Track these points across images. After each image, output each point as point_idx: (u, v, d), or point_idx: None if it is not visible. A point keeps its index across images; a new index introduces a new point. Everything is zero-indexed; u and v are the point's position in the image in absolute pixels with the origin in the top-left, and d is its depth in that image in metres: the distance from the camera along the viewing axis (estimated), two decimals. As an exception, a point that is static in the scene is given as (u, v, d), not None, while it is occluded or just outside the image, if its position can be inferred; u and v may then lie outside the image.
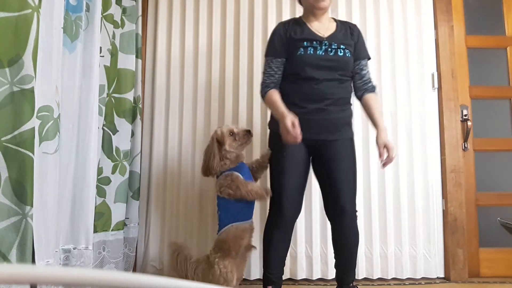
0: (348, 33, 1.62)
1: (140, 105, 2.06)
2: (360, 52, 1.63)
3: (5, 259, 1.03)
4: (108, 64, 1.78)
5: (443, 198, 2.11)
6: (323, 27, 1.59)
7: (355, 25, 1.70)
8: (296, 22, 1.63)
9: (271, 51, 1.61)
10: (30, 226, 1.06)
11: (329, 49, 1.54)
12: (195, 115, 2.13)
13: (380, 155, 1.45)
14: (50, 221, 1.23)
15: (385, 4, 2.19)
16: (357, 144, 2.06)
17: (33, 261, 1.10)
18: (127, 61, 1.95)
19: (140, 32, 2.07)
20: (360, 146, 2.08)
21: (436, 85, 2.17)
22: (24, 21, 1.07)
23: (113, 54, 1.84)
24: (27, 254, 1.06)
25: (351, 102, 1.63)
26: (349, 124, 1.61)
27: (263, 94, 1.59)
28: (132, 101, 1.97)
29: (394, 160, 1.48)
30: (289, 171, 1.54)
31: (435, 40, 2.21)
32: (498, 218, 1.55)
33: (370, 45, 2.15)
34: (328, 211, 1.60)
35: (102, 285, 0.42)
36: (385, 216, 2.04)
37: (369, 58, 1.68)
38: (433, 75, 2.18)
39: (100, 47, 1.64)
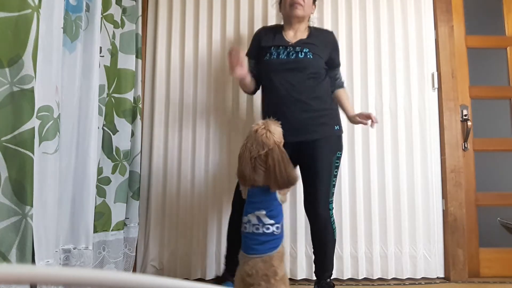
0: (320, 39, 1.72)
1: (140, 105, 2.06)
2: (334, 60, 1.76)
3: (5, 259, 1.03)
4: (108, 64, 1.78)
5: (443, 198, 2.11)
6: (295, 36, 1.72)
7: (330, 32, 1.81)
8: (275, 29, 1.78)
9: (248, 52, 1.80)
10: (30, 226, 1.06)
11: (291, 53, 1.65)
12: (195, 115, 2.13)
13: (364, 123, 1.63)
14: (50, 221, 1.22)
15: (385, 4, 2.19)
16: (357, 144, 2.08)
17: (33, 261, 1.10)
18: (127, 61, 1.95)
19: (140, 32, 2.07)
20: (360, 145, 2.08)
21: (436, 85, 2.17)
22: (24, 21, 1.07)
23: (113, 54, 1.84)
24: (27, 254, 1.06)
25: (327, 101, 1.69)
26: (326, 124, 1.65)
27: None
28: (132, 101, 1.97)
29: (376, 123, 1.63)
30: None
31: (435, 40, 2.21)
32: (498, 218, 1.56)
33: (370, 45, 2.16)
34: (306, 211, 1.67)
35: (102, 285, 0.42)
36: (385, 216, 2.04)
37: (339, 65, 1.82)
38: (433, 75, 2.18)
39: (100, 47, 1.64)
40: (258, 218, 1.38)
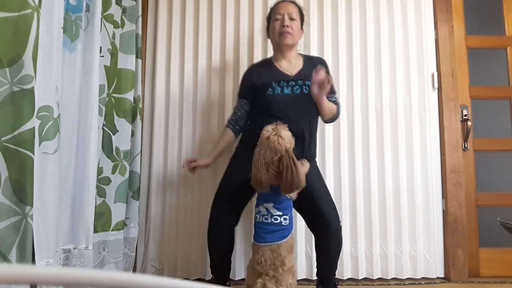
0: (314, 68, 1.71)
1: (140, 105, 2.06)
2: (330, 88, 1.72)
3: (5, 259, 1.03)
4: (108, 64, 1.78)
5: (443, 198, 2.11)
6: (290, 65, 1.72)
7: (323, 61, 1.80)
8: (266, 64, 1.77)
9: (239, 92, 1.80)
10: (30, 226, 1.06)
11: (296, 87, 1.65)
12: (195, 115, 2.13)
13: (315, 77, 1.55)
14: (50, 221, 1.22)
15: (385, 4, 2.20)
16: (357, 144, 2.08)
17: (33, 261, 1.10)
18: (127, 61, 1.95)
19: (140, 32, 2.07)
20: (360, 146, 2.09)
21: (436, 85, 2.17)
22: (24, 21, 1.07)
23: (113, 54, 1.84)
24: (27, 254, 1.06)
25: (316, 133, 1.72)
26: (313, 155, 1.69)
27: (226, 125, 1.80)
28: (132, 101, 1.97)
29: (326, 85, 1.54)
30: (234, 183, 1.64)
31: (435, 40, 2.21)
32: (498, 218, 1.56)
33: (370, 46, 2.16)
34: (313, 227, 1.66)
35: (102, 285, 0.42)
36: (385, 216, 2.04)
37: (334, 92, 1.78)
38: (433, 75, 2.18)
39: (100, 47, 1.63)
40: (267, 209, 1.46)
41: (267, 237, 1.42)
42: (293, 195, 1.49)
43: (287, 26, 1.68)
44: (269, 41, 1.90)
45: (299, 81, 1.66)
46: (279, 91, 1.64)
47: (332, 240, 1.60)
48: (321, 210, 1.59)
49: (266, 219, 1.45)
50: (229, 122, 1.79)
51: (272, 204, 1.45)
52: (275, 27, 1.71)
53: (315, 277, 1.97)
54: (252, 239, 1.49)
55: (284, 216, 1.44)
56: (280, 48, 1.73)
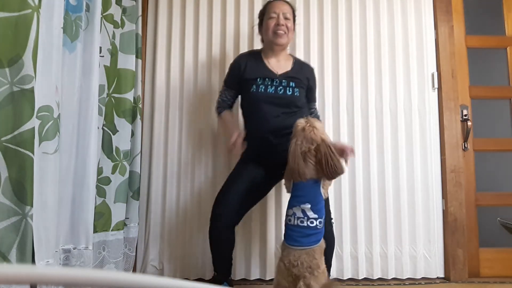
0: (302, 73, 1.76)
1: (140, 105, 2.06)
2: (312, 95, 1.83)
3: (5, 259, 1.03)
4: (108, 64, 1.78)
5: (443, 198, 2.11)
6: (279, 64, 1.74)
7: (311, 69, 1.85)
8: (255, 57, 1.77)
9: (226, 81, 1.82)
10: (30, 226, 1.06)
11: (280, 87, 1.67)
12: (195, 115, 2.13)
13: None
14: (50, 221, 1.22)
15: (385, 4, 2.20)
16: (357, 144, 2.08)
17: (33, 261, 1.10)
18: (127, 61, 1.95)
19: (140, 32, 2.07)
20: (360, 146, 2.09)
21: (436, 85, 2.17)
22: (24, 21, 1.07)
23: (113, 54, 1.84)
24: (27, 254, 1.06)
25: None
26: None
27: (219, 112, 1.82)
28: (132, 101, 1.97)
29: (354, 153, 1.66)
30: (238, 183, 1.65)
31: (435, 40, 2.21)
32: (498, 218, 1.56)
33: (370, 45, 2.16)
34: None
35: (102, 285, 0.42)
36: (385, 216, 2.04)
37: (315, 101, 1.87)
38: (433, 75, 2.18)
39: (100, 47, 1.63)
40: (303, 212, 1.44)
41: (302, 241, 1.41)
42: (326, 192, 1.49)
43: (282, 25, 1.69)
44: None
45: (283, 81, 1.68)
46: (262, 89, 1.66)
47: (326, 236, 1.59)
48: None
49: (302, 222, 1.43)
50: (225, 106, 1.80)
51: (309, 206, 1.44)
52: (269, 25, 1.71)
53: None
54: (283, 240, 1.48)
55: (320, 219, 1.43)
56: (273, 46, 1.73)
